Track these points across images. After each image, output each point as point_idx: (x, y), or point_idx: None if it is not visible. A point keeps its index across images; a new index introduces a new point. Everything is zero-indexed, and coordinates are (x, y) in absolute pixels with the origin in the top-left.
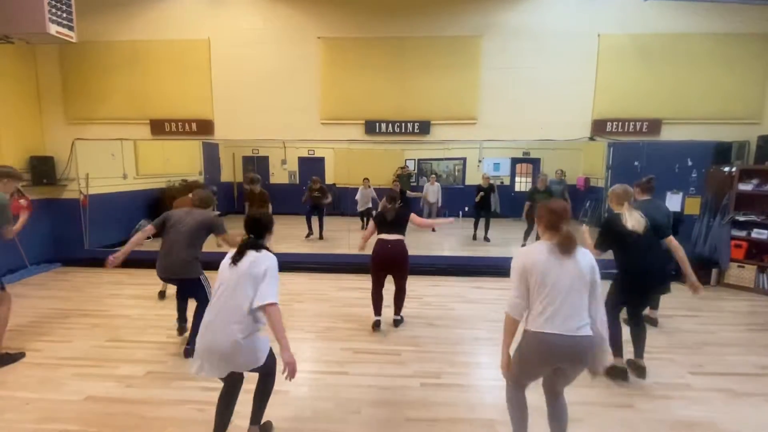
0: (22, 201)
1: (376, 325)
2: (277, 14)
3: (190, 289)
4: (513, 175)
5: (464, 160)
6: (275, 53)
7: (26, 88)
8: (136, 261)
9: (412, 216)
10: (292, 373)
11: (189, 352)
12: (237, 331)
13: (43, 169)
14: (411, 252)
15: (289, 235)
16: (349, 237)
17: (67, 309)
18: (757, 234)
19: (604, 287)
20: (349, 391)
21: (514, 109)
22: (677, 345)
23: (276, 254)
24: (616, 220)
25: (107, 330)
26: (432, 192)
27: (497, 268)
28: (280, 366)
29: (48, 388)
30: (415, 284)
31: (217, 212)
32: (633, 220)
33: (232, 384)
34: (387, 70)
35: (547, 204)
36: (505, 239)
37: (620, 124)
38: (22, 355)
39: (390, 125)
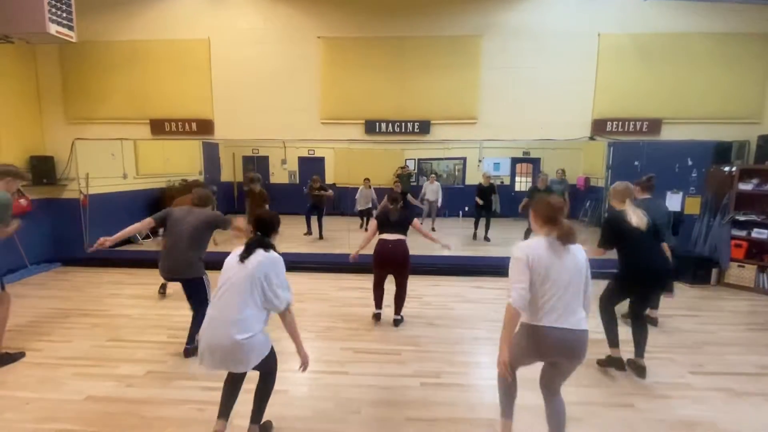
0: (23, 201)
1: (377, 318)
2: (277, 14)
3: (192, 288)
4: (513, 174)
5: (464, 159)
6: (275, 53)
7: (26, 88)
8: (136, 261)
9: (415, 221)
10: (305, 366)
11: (189, 351)
12: (236, 332)
13: (43, 169)
14: (411, 252)
15: (290, 235)
16: (349, 237)
17: (67, 309)
18: (757, 234)
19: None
20: (349, 391)
21: (514, 108)
22: (677, 344)
23: (279, 254)
24: (620, 216)
25: (107, 330)
26: (431, 191)
27: (497, 268)
28: (281, 365)
29: (48, 387)
30: (415, 284)
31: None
32: (636, 217)
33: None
34: (387, 69)
35: (544, 198)
36: (505, 239)
37: (620, 123)
38: (22, 354)
39: (390, 125)
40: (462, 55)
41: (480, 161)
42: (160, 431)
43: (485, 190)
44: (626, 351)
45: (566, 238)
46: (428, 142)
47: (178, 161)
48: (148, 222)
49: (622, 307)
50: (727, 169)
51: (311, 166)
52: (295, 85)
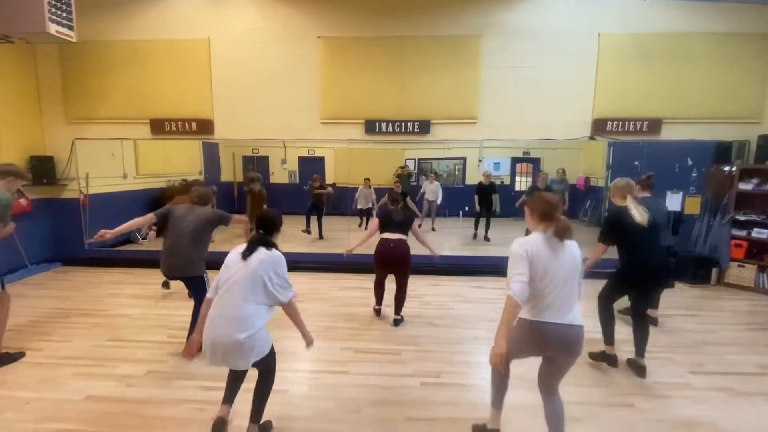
0: (23, 201)
1: (377, 312)
2: (277, 14)
3: (193, 286)
4: (513, 174)
5: (464, 159)
6: (275, 53)
7: (26, 88)
8: (136, 261)
9: (414, 225)
10: (310, 345)
11: None
12: (237, 330)
13: (43, 169)
14: (412, 252)
15: (291, 234)
16: (349, 237)
17: (67, 308)
18: (757, 233)
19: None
20: (349, 391)
21: (514, 108)
22: (677, 344)
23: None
24: (623, 211)
25: (107, 329)
26: (430, 191)
27: (497, 268)
28: (281, 364)
29: (48, 387)
30: (415, 284)
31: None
32: (638, 213)
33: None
34: (387, 69)
35: (540, 194)
36: (505, 239)
37: (620, 123)
38: (22, 354)
39: (390, 125)
40: (462, 55)
41: (480, 161)
42: (160, 431)
43: (485, 189)
44: (626, 351)
45: (563, 233)
46: (428, 142)
47: (178, 161)
48: (150, 217)
49: (620, 303)
50: (727, 168)
51: (311, 166)
52: (295, 85)
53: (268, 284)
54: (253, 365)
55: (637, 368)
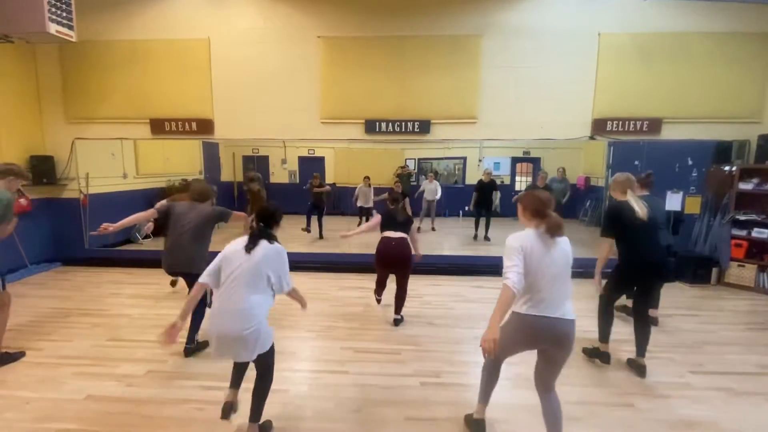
0: (23, 200)
1: (378, 301)
2: (277, 13)
3: (192, 284)
4: (513, 174)
5: (464, 159)
6: (275, 53)
7: (26, 88)
8: (136, 261)
9: (413, 227)
10: (305, 306)
11: (189, 351)
12: (241, 323)
13: (43, 169)
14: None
15: (291, 234)
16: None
17: (68, 308)
18: (757, 233)
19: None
20: (349, 391)
21: (514, 108)
22: (677, 344)
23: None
24: (624, 205)
25: (107, 329)
26: (430, 190)
27: (498, 268)
28: (280, 364)
29: (48, 387)
30: (415, 284)
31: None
32: (639, 207)
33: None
34: (387, 69)
35: (531, 192)
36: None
37: (620, 123)
38: (22, 354)
39: (390, 124)
40: (462, 55)
41: (480, 161)
42: (161, 431)
43: (485, 187)
44: (627, 350)
45: (554, 230)
46: (428, 142)
47: (178, 161)
48: (151, 212)
49: (618, 301)
50: (727, 168)
51: (311, 165)
52: (295, 84)
53: (271, 277)
54: (253, 362)
55: (638, 368)
